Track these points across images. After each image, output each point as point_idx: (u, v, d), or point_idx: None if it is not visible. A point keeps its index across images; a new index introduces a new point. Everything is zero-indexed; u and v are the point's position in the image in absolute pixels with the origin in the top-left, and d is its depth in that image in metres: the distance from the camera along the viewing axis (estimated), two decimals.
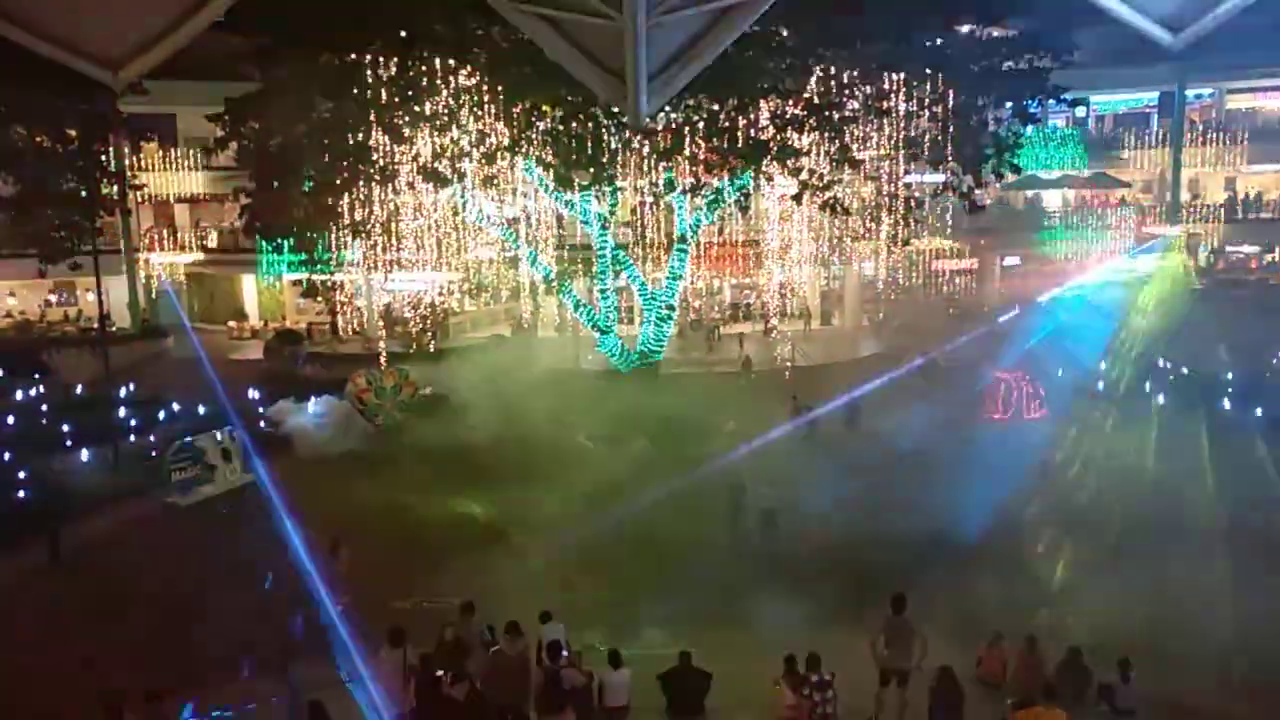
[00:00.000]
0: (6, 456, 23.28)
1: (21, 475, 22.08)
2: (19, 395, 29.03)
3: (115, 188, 33.79)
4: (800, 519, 19.03)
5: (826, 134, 26.96)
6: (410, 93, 26.43)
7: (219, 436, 22.55)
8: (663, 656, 12.85)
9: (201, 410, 26.13)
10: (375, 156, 26.82)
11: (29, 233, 33.70)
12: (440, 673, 12.07)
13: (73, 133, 31.88)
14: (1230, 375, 27.71)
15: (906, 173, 29.10)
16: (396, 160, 27.13)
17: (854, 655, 12.54)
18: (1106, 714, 12.70)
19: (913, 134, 27.73)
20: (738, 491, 19.68)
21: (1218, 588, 15.69)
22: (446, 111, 26.72)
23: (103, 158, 33.45)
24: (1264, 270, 44.27)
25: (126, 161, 36.74)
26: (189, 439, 22.52)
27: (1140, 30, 41.34)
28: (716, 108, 26.89)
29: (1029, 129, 30.35)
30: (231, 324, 42.54)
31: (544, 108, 26.82)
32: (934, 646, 12.55)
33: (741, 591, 16.36)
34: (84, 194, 31.85)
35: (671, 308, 31.59)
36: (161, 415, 27.01)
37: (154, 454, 23.78)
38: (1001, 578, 16.21)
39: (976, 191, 28.39)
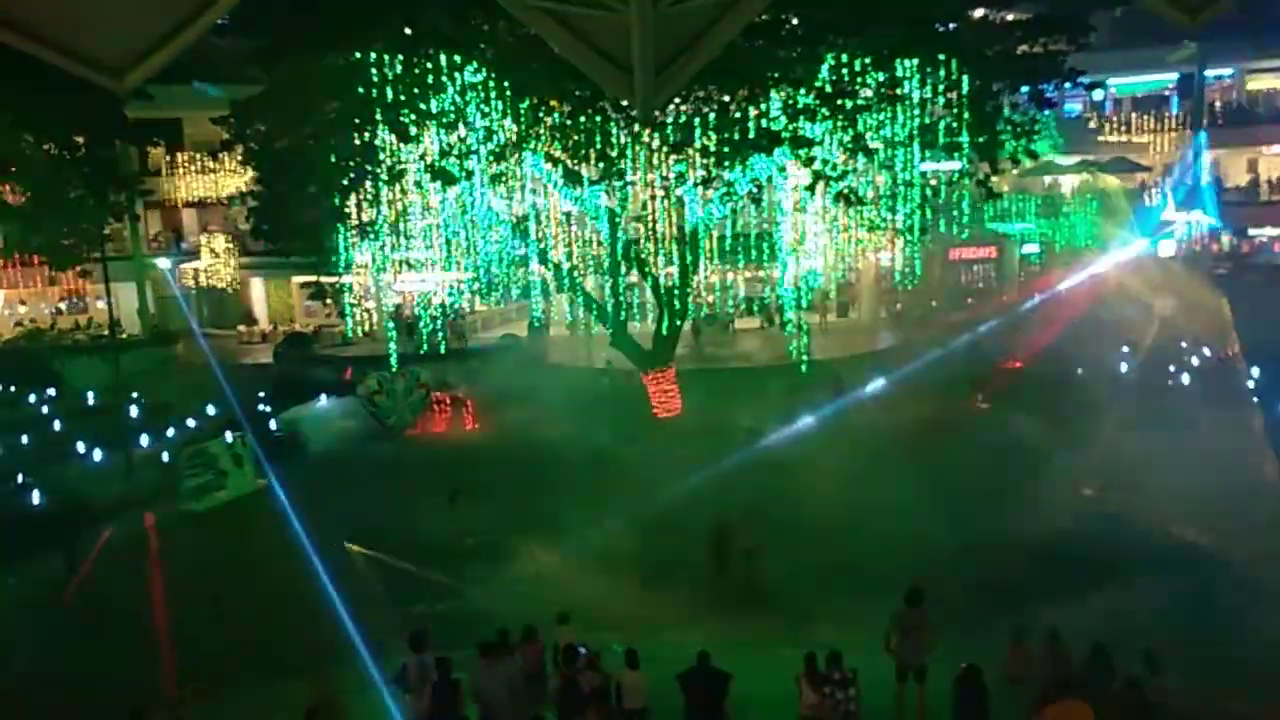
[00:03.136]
0: (20, 465, 23.21)
1: (36, 484, 22.01)
2: (31, 403, 29.03)
3: (123, 194, 33.70)
4: (795, 537, 17.90)
5: (839, 122, 26.57)
6: (416, 90, 26.23)
7: (231, 441, 22.45)
8: (681, 657, 12.58)
9: (212, 415, 26.05)
10: (382, 156, 26.65)
11: (38, 241, 33.72)
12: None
13: (80, 139, 31.79)
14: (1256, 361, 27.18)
15: (922, 160, 28.66)
16: (403, 159, 26.93)
17: (874, 654, 12.29)
18: (1133, 708, 12.34)
19: (927, 121, 27.32)
20: (721, 535, 17.41)
21: None
22: (453, 109, 26.52)
23: (110, 164, 33.33)
24: None
25: (134, 167, 36.72)
26: (201, 445, 22.47)
27: (1156, 11, 40.63)
28: (727, 98, 26.55)
29: (1046, 113, 29.84)
30: (241, 328, 42.51)
31: (551, 103, 26.57)
32: (960, 644, 12.22)
33: (755, 592, 16.11)
34: (92, 201, 31.80)
35: (684, 303, 31.26)
36: (172, 421, 26.93)
37: (166, 460, 23.71)
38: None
39: (993, 178, 27.96)
